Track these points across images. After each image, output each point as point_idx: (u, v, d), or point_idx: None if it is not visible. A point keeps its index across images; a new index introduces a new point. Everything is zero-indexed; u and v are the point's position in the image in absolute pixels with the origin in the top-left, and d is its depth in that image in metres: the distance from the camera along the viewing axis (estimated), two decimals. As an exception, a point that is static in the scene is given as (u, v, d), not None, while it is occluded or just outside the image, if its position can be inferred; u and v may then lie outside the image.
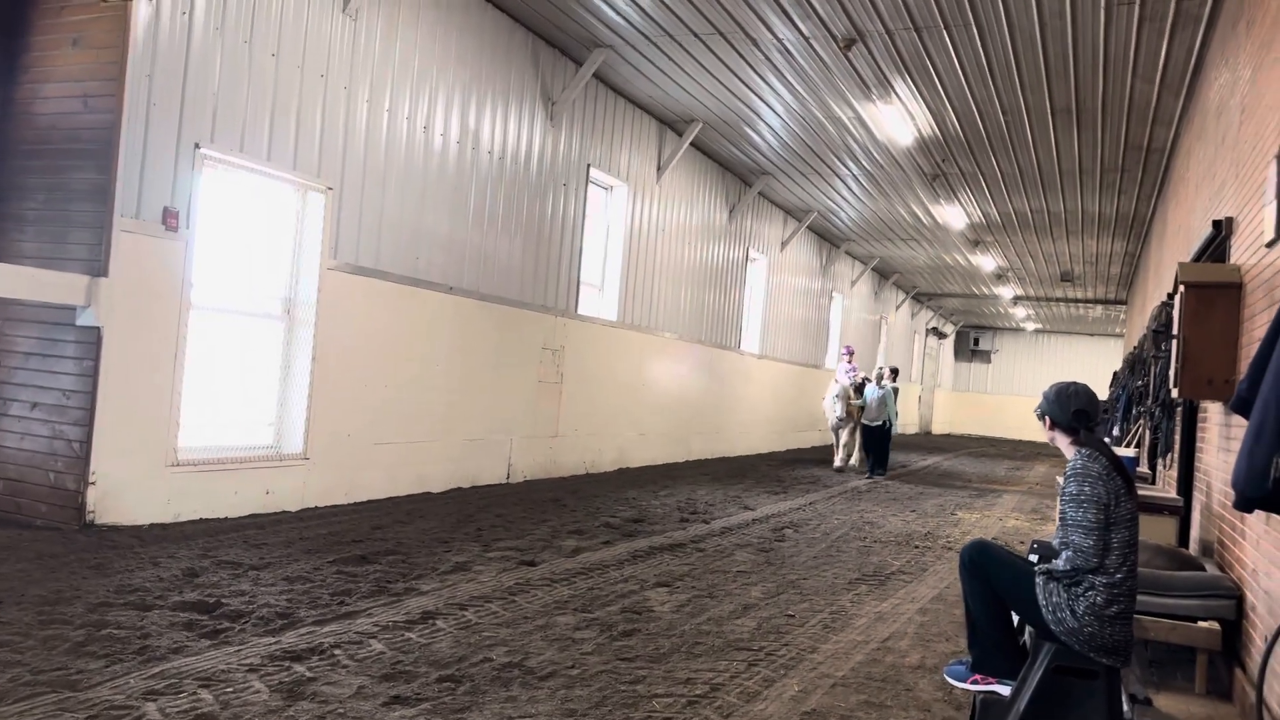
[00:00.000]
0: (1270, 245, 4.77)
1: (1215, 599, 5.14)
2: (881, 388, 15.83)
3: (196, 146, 7.01)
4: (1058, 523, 3.92)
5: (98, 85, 6.57)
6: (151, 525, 6.81)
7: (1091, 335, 39.61)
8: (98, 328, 6.45)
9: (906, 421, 34.22)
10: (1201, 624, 5.07)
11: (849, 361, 17.43)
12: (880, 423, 15.80)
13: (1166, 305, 8.27)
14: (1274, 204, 4.69)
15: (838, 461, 16.54)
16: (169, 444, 6.97)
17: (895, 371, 16.99)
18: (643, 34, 10.64)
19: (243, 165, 7.49)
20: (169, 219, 6.81)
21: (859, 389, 16.47)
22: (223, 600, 5.14)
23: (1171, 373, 6.35)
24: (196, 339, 7.24)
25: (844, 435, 16.64)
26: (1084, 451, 3.92)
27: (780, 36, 10.30)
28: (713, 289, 16.73)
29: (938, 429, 38.85)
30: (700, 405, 16.38)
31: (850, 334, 25.88)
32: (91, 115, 6.58)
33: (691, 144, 14.82)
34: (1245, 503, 3.33)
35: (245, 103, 7.41)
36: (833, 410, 16.24)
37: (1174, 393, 6.22)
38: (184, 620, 4.77)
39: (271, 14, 7.61)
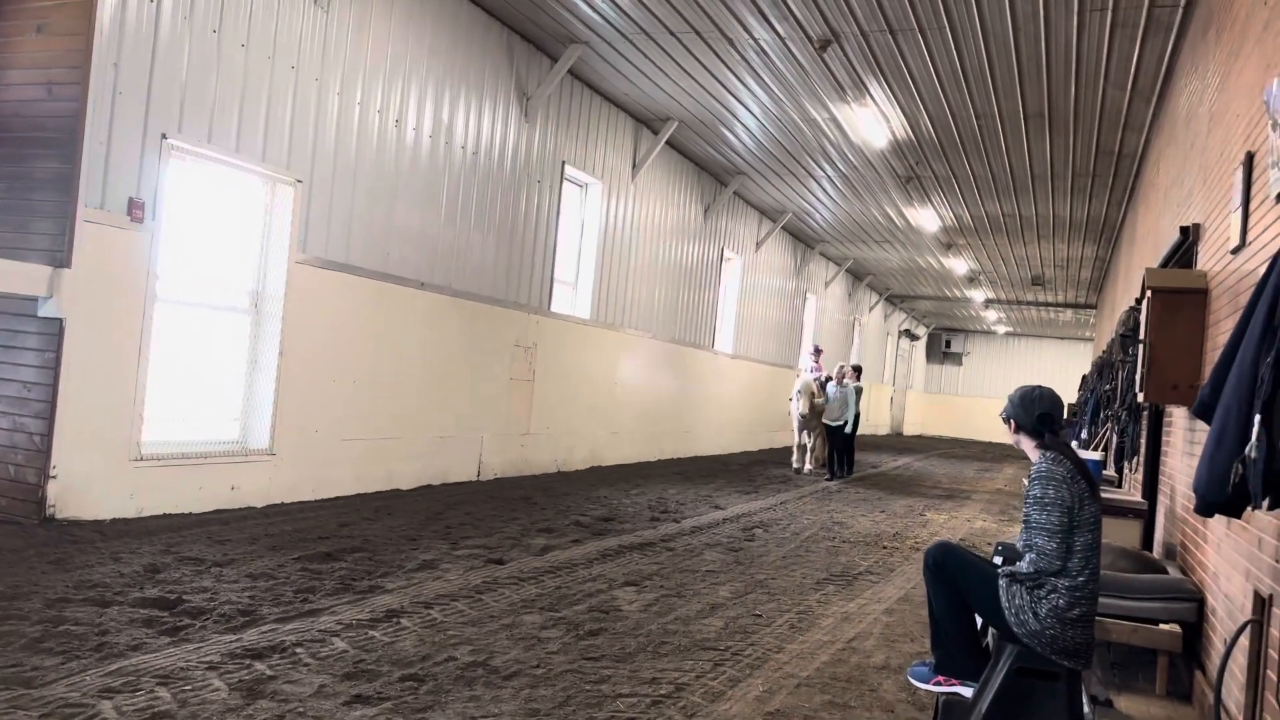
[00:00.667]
0: (1235, 252, 4.81)
1: (1177, 602, 5.19)
2: (843, 387, 15.37)
3: (164, 137, 6.90)
4: (1022, 525, 3.94)
5: (62, 73, 6.45)
6: (114, 520, 6.71)
7: (1061, 339, 40.03)
8: (60, 319, 6.34)
9: (877, 422, 34.45)
10: (1163, 626, 5.12)
11: (816, 361, 17.20)
12: (841, 423, 15.37)
13: (1134, 310, 8.36)
14: (1240, 211, 4.74)
15: (795, 462, 16.11)
16: (132, 438, 6.86)
17: (858, 370, 16.40)
18: (619, 31, 10.61)
19: (211, 156, 7.39)
20: (134, 210, 6.71)
21: (823, 387, 15.99)
22: (184, 597, 5.07)
23: (1138, 377, 6.41)
24: (162, 332, 7.14)
25: (806, 437, 16.12)
26: (1049, 455, 3.94)
27: (756, 37, 10.30)
28: (687, 288, 16.73)
29: (909, 430, 39.11)
30: (673, 404, 16.38)
31: (824, 335, 25.98)
32: (55, 103, 6.47)
33: (667, 143, 14.81)
34: (1206, 507, 3.36)
35: (214, 93, 7.31)
36: (797, 408, 15.85)
37: (1140, 397, 6.27)
38: (144, 617, 4.70)
39: (241, 4, 7.51)
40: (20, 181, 6.57)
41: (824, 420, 15.56)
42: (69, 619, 4.54)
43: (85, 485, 6.57)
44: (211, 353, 7.81)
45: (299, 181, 8.14)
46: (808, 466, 16.02)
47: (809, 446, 16.11)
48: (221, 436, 7.84)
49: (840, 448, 15.59)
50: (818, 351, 17.57)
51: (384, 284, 9.19)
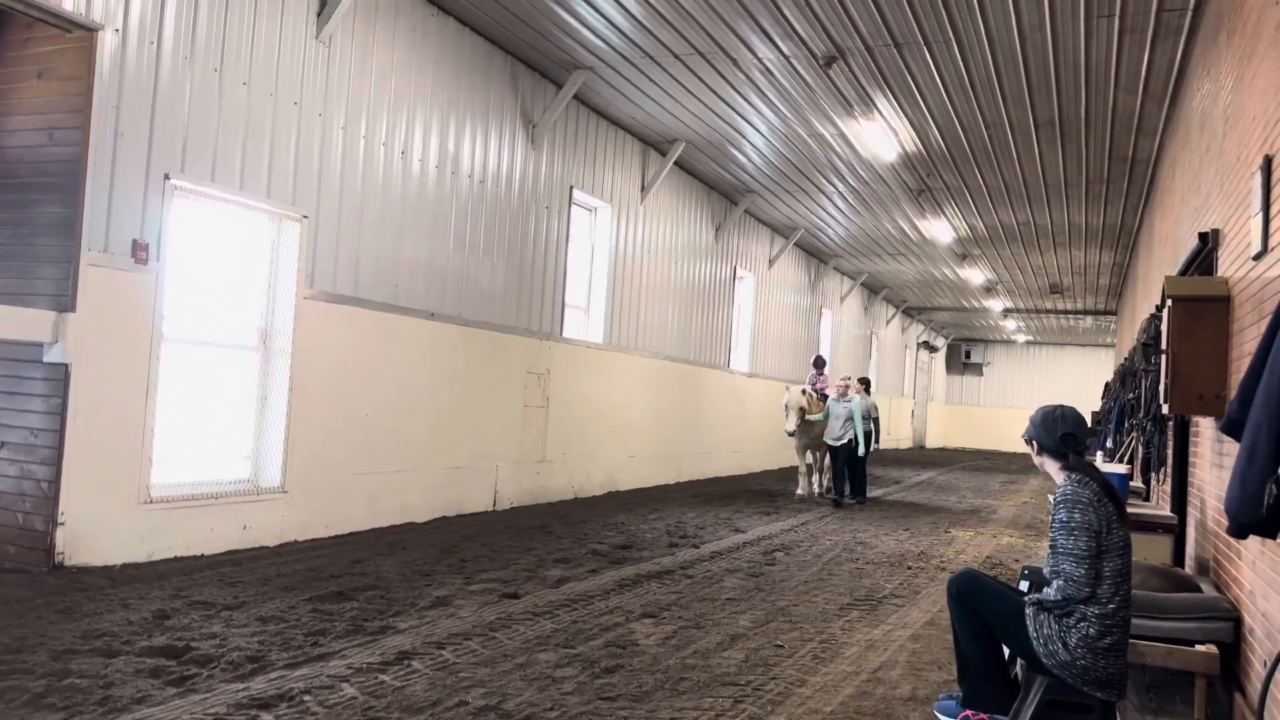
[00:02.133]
0: (1257, 258, 4.67)
1: (1212, 621, 5.00)
2: (844, 401, 13.91)
3: (166, 177, 6.88)
4: (1048, 550, 3.80)
5: (63, 117, 6.45)
6: (124, 565, 6.64)
7: (1082, 346, 39.63)
8: (65, 364, 6.30)
9: (899, 436, 34.14)
10: (1199, 648, 4.93)
11: (818, 373, 15.87)
12: (844, 442, 13.81)
13: (1155, 318, 8.19)
14: (1260, 215, 4.60)
15: (800, 489, 14.57)
16: (141, 481, 6.80)
17: (866, 383, 15.02)
18: (622, 55, 10.57)
19: (215, 195, 7.37)
20: (138, 251, 6.68)
21: (822, 401, 14.51)
22: (192, 644, 4.98)
23: (1161, 388, 6.25)
24: (169, 372, 7.10)
25: (809, 458, 14.69)
26: (1074, 476, 3.80)
27: (761, 56, 10.24)
28: (700, 308, 16.63)
29: (931, 443, 38.76)
30: (690, 426, 16.25)
31: (841, 350, 25.80)
32: (57, 148, 6.46)
33: (675, 163, 14.75)
34: (1240, 529, 3.21)
35: (216, 132, 7.30)
36: (787, 424, 14.15)
37: (1164, 408, 6.11)
38: (150, 667, 4.61)
39: (242, 42, 7.51)
40: (23, 227, 6.56)
41: (826, 440, 14.08)
42: (74, 671, 4.46)
43: (94, 531, 6.51)
44: (221, 391, 7.76)
45: (305, 217, 8.11)
46: (815, 489, 14.76)
47: (812, 467, 14.83)
48: (232, 476, 7.78)
49: (846, 469, 14.08)
50: (819, 363, 16.29)
51: (393, 316, 9.14)
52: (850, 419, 13.85)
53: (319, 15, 8.20)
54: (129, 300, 6.66)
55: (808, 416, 13.99)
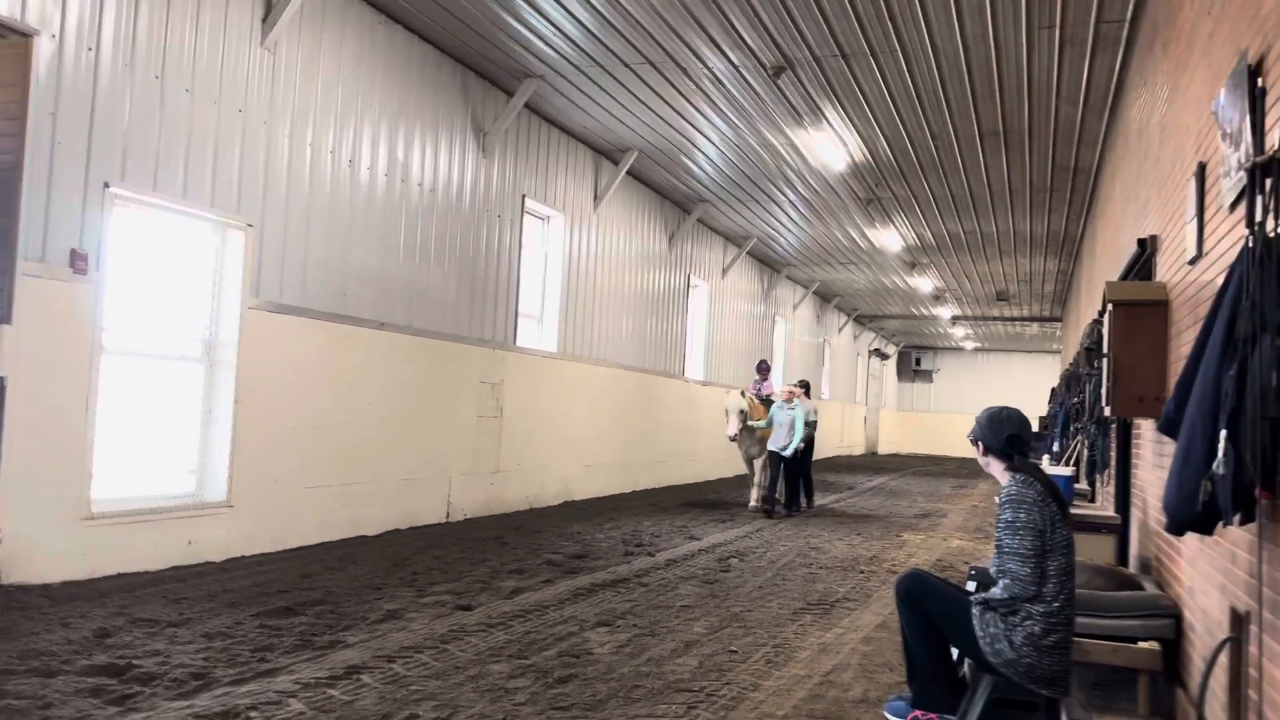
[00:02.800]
0: (1193, 262, 4.79)
1: (1154, 619, 5.11)
2: (788, 407, 13.19)
3: (106, 186, 6.74)
4: (994, 550, 3.85)
5: (-2, 124, 6.28)
6: (64, 583, 6.46)
7: (1029, 352, 40.36)
8: (1, 377, 6.12)
9: (852, 442, 34.47)
10: (1142, 645, 5.03)
11: (761, 377, 15.14)
12: (787, 449, 13.12)
13: (1097, 323, 8.36)
14: (1195, 221, 4.72)
15: (752, 500, 13.74)
16: (82, 496, 6.63)
17: (806, 386, 14.16)
18: (573, 64, 10.58)
19: (157, 204, 7.23)
20: (77, 261, 6.52)
21: (766, 406, 13.83)
22: (134, 662, 4.86)
23: (1104, 391, 6.38)
24: (110, 385, 6.94)
25: (756, 468, 13.88)
26: (1018, 477, 3.86)
27: (711, 66, 10.31)
28: (655, 317, 16.66)
29: (884, 449, 39.18)
30: (645, 434, 16.25)
31: (795, 358, 26.00)
32: (-8, 155, 6.28)
33: (628, 172, 14.78)
34: (1177, 526, 3.28)
35: (158, 140, 7.16)
36: (728, 429, 13.47)
37: (1107, 410, 6.23)
38: (91, 686, 4.49)
39: (185, 49, 7.39)
40: (-43, 237, 6.36)
41: (770, 447, 13.29)
42: (11, 692, 4.33)
43: (33, 548, 6.33)
44: (164, 404, 7.60)
45: (250, 226, 7.98)
46: (753, 501, 13.71)
47: (754, 476, 13.90)
48: (176, 490, 7.62)
49: (790, 477, 13.60)
50: (763, 367, 15.49)
51: (342, 326, 9.03)
52: (792, 426, 13.16)
53: (264, 22, 8.09)
54: (68, 311, 6.50)
55: (750, 421, 13.42)
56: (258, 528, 8.06)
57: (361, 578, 7.32)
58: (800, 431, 13.10)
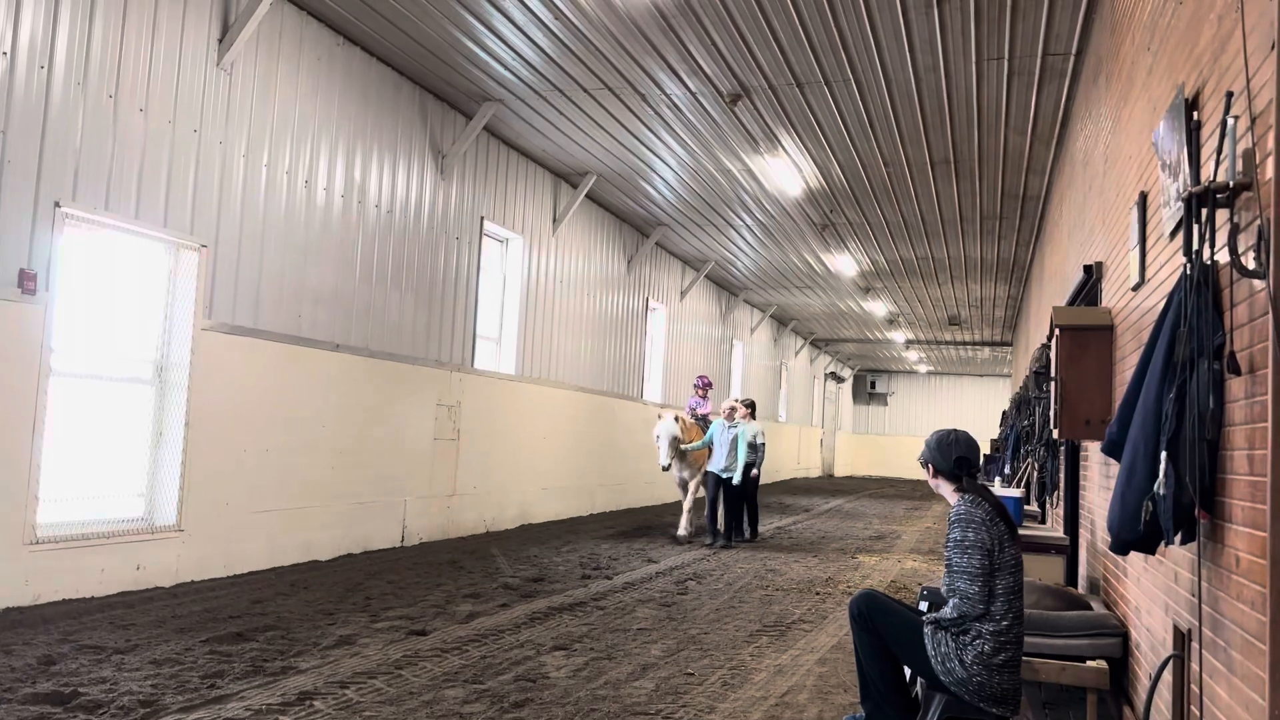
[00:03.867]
0: (1136, 288, 4.93)
1: (1102, 637, 5.20)
2: (732, 425, 12.27)
3: (56, 205, 6.64)
4: (944, 570, 3.91)
5: (-55, 141, 6.17)
6: (7, 610, 6.30)
7: (981, 376, 41.00)
8: (-56, 399, 5.99)
9: (809, 465, 34.66)
10: (1090, 663, 5.12)
11: (701, 395, 14.29)
12: (731, 473, 12.22)
13: (1046, 347, 8.54)
14: (1137, 249, 4.86)
15: (680, 529, 12.62)
16: (27, 520, 6.48)
17: (751, 405, 12.93)
18: (532, 89, 10.64)
19: (109, 224, 7.13)
20: (25, 281, 6.41)
21: (704, 426, 13.22)
22: (80, 690, 4.75)
23: (1052, 414, 6.51)
24: (58, 407, 6.81)
25: (689, 492, 12.92)
26: (967, 497, 3.93)
27: (669, 92, 10.42)
28: (613, 339, 16.70)
29: (840, 471, 39.48)
30: (604, 457, 16.24)
31: (752, 380, 26.15)
32: (-62, 173, 6.17)
33: (587, 196, 14.85)
34: (1121, 546, 3.36)
35: (111, 159, 7.08)
36: (661, 457, 12.51)
37: (1055, 433, 6.36)
38: (34, 714, 4.39)
39: (139, 68, 7.32)
40: (-100, 255, 6.23)
41: (710, 469, 12.45)
42: (-51, 723, 4.21)
43: (-26, 574, 6.17)
44: (113, 426, 7.47)
45: (204, 246, 7.90)
46: (682, 529, 12.58)
47: (691, 502, 12.93)
48: (125, 514, 7.46)
49: (731, 504, 12.51)
50: (703, 384, 14.60)
51: (296, 347, 8.95)
52: (734, 447, 12.25)
53: (220, 42, 8.05)
54: (14, 332, 6.38)
55: (683, 446, 12.57)
56: (208, 552, 7.93)
57: (314, 603, 7.22)
58: (744, 454, 12.18)
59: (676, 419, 12.65)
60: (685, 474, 12.90)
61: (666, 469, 12.54)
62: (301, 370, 9.00)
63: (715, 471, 12.36)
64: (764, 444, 12.93)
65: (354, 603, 7.32)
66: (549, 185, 14.05)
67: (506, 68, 10.08)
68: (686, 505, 12.83)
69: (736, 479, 12.21)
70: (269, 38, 8.61)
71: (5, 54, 6.31)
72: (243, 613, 6.72)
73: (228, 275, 8.17)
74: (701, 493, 12.94)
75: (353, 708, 4.77)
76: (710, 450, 12.60)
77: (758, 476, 12.92)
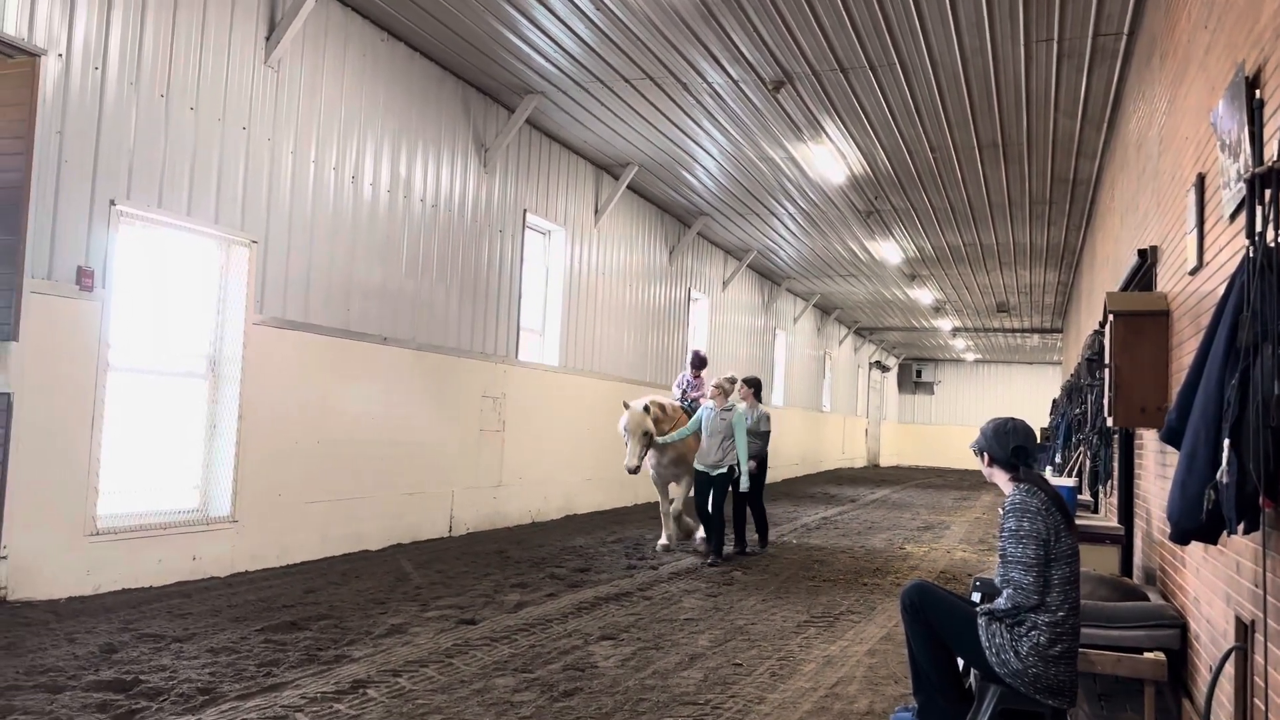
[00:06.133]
0: (1193, 272, 4.82)
1: (1159, 629, 5.10)
2: (726, 411, 9.92)
3: (112, 203, 6.78)
4: (998, 560, 3.86)
5: (4, 144, 6.30)
6: (69, 599, 6.47)
7: (1030, 364, 40.38)
8: (8, 394, 6.15)
9: (854, 455, 34.40)
10: (1147, 655, 5.03)
11: (693, 375, 11.67)
12: (723, 470, 9.80)
13: (1098, 333, 8.39)
14: (1195, 232, 4.75)
15: (663, 538, 10.45)
16: (87, 512, 6.65)
17: (756, 385, 10.97)
18: (574, 80, 10.64)
19: (162, 221, 7.27)
20: (83, 278, 6.56)
21: (688, 413, 10.79)
22: (141, 677, 4.87)
23: (1106, 401, 6.40)
24: (116, 401, 6.96)
25: (674, 492, 10.49)
26: (1022, 487, 3.88)
27: (710, 81, 10.37)
28: (655, 330, 16.69)
29: (885, 461, 39.15)
30: (683, 448, 16.19)
31: (795, 370, 25.98)
32: (-2, 174, 6.33)
33: (628, 187, 14.84)
34: (1181, 535, 3.30)
35: (163, 157, 7.21)
36: (629, 456, 9.98)
37: (1109, 421, 6.25)
38: (97, 701, 4.50)
39: (189, 68, 7.44)
40: (-37, 255, 6.40)
41: (697, 465, 10.05)
42: (18, 708, 4.33)
43: (38, 564, 6.34)
44: (168, 420, 7.63)
45: (254, 242, 8.02)
46: (662, 540, 10.46)
47: (674, 505, 10.47)
48: (181, 506, 7.63)
49: (738, 507, 10.36)
50: (698, 362, 11.79)
51: (345, 341, 9.06)
52: (731, 437, 9.84)
53: (268, 40, 8.15)
54: (73, 328, 6.53)
55: (658, 439, 10.14)
56: (262, 543, 8.07)
57: (365, 592, 7.33)
58: (744, 446, 9.83)
59: (648, 409, 10.16)
60: (666, 472, 10.47)
61: (634, 471, 9.98)
62: (350, 363, 9.11)
63: (703, 469, 9.96)
64: (769, 431, 10.78)
65: (404, 592, 7.41)
66: (590, 177, 14.06)
67: (548, 59, 10.10)
68: (671, 509, 10.45)
69: (744, 482, 9.94)
70: (315, 35, 8.70)
71: (61, 56, 6.45)
72: (296, 602, 6.84)
73: (278, 270, 8.29)
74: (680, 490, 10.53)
75: (405, 696, 4.83)
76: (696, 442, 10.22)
77: (762, 476, 10.73)
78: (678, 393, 11.73)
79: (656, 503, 10.44)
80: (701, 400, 10.98)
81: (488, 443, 11.45)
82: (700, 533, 10.52)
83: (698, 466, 10.06)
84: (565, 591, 7.82)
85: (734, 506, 10.38)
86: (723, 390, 10.10)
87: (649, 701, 4.94)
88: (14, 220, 6.21)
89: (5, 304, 6.20)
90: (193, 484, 7.76)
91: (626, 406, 10.24)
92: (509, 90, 11.12)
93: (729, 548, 10.38)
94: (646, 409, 10.17)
